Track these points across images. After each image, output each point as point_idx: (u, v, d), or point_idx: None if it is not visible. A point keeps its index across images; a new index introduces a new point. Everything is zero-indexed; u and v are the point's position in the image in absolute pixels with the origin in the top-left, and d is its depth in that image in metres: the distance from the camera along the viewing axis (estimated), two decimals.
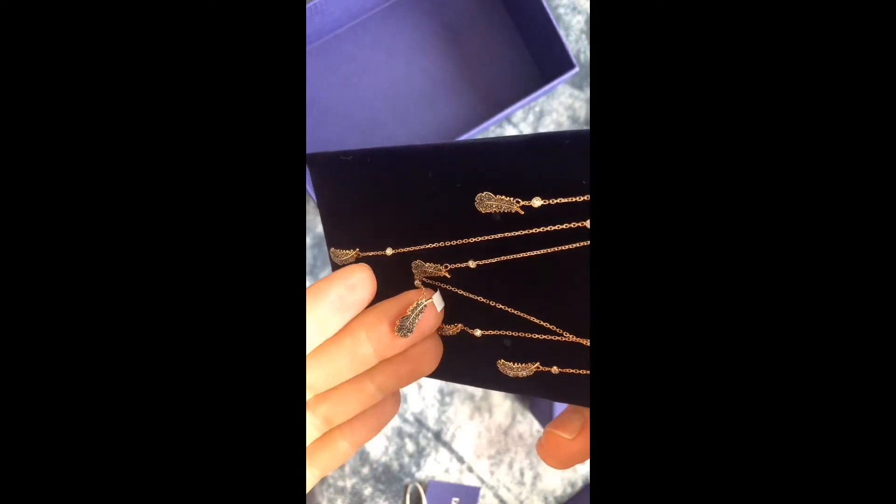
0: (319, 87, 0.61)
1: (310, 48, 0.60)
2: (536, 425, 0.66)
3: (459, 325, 0.23)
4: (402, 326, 0.21)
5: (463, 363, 0.23)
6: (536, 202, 0.18)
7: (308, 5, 0.51)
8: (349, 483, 0.64)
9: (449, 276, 0.22)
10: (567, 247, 0.19)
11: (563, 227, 0.18)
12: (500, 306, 0.21)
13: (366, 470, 0.64)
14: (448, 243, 0.21)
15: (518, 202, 0.19)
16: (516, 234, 0.19)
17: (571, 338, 0.20)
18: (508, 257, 0.20)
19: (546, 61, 0.59)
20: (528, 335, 0.21)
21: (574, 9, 0.63)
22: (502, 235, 0.20)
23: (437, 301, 0.22)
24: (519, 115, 0.63)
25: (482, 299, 0.21)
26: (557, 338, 0.20)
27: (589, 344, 0.19)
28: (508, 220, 0.20)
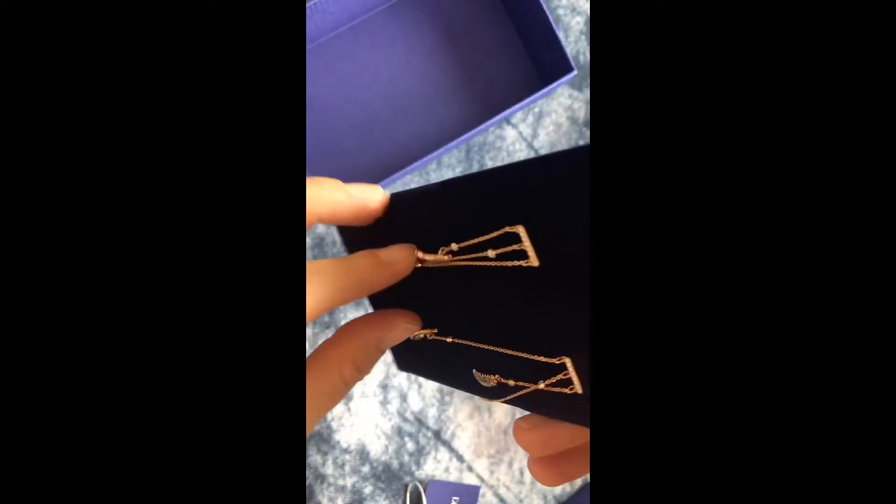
0: (319, 87, 0.61)
1: (310, 48, 0.61)
2: None
3: (436, 330, 0.25)
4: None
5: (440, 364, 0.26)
6: (454, 246, 0.22)
7: (308, 5, 0.51)
8: (349, 482, 0.64)
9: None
10: (484, 263, 0.21)
11: (476, 258, 0.22)
12: (476, 345, 0.24)
13: (366, 469, 0.64)
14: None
15: (444, 250, 0.22)
16: (465, 258, 0.23)
17: (520, 353, 0.22)
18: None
19: (545, 63, 0.59)
20: (493, 348, 0.23)
21: (573, 10, 0.63)
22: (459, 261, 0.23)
23: None
24: (518, 116, 0.63)
25: (470, 342, 0.24)
26: (516, 352, 0.22)
27: (533, 357, 0.21)
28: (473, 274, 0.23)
